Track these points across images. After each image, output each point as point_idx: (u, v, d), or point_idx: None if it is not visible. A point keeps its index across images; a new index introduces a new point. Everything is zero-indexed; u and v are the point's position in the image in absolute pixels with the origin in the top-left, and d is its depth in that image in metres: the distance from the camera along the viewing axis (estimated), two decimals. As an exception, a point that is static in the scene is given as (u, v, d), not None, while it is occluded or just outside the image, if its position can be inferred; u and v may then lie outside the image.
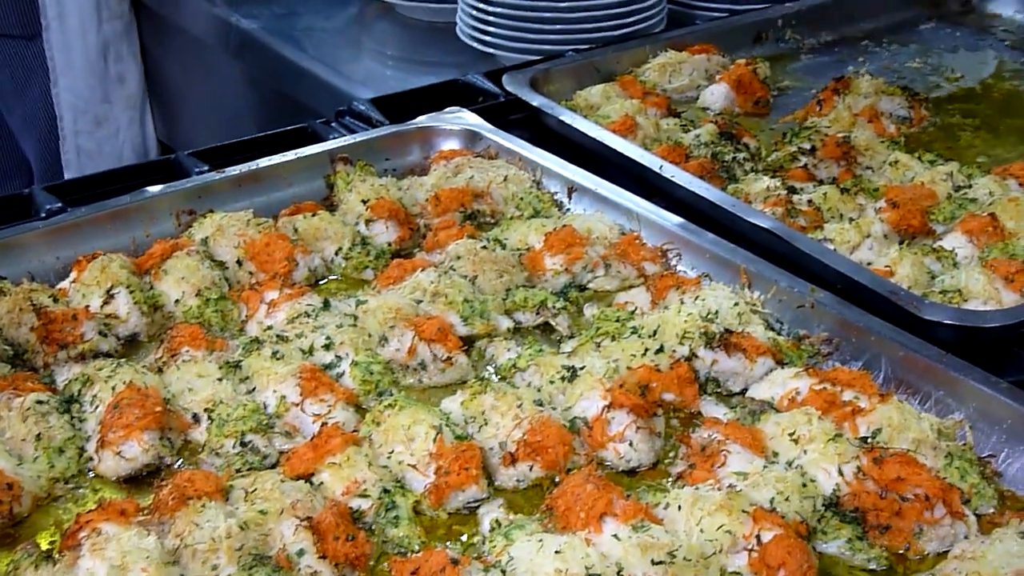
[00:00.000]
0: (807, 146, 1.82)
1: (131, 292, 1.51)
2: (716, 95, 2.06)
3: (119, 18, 3.13)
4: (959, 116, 2.03)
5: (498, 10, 2.30)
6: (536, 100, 1.92)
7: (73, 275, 1.56)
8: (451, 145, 1.85)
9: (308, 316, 1.46)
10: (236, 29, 2.74)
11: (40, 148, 3.23)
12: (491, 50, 2.34)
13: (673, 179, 1.68)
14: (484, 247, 1.57)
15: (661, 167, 1.71)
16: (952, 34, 2.37)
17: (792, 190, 1.71)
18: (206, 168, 1.79)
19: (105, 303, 1.51)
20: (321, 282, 1.62)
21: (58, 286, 1.56)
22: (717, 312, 1.41)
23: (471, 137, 1.85)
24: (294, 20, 2.74)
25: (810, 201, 1.67)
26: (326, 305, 1.49)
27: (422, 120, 1.89)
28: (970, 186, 1.73)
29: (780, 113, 2.07)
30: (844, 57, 2.27)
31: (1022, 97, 2.10)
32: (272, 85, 2.67)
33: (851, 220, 1.64)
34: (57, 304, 1.49)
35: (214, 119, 3.11)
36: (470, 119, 1.87)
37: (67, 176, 3.19)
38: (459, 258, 1.55)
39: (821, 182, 1.77)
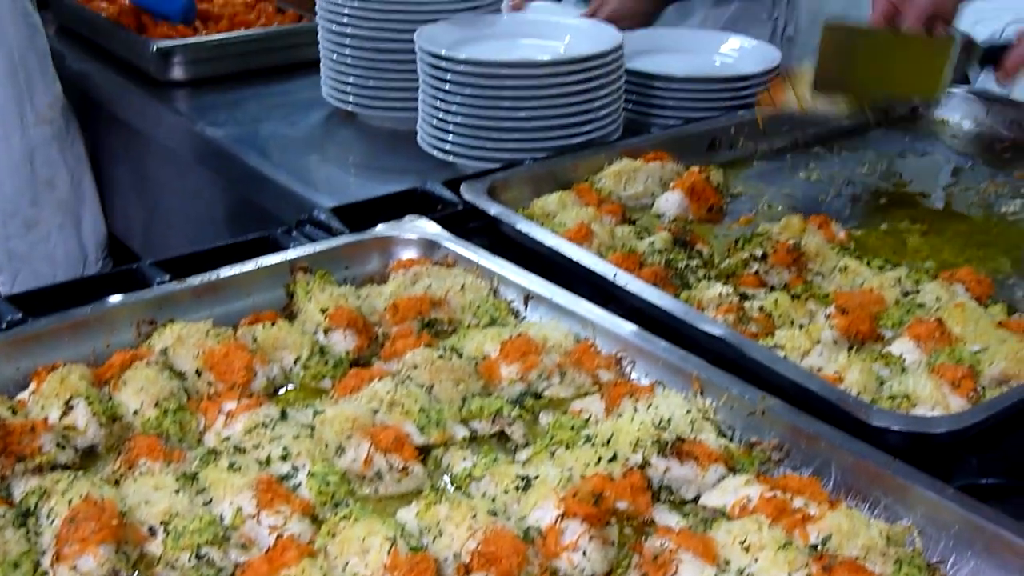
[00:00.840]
0: (758, 252, 1.85)
1: (90, 403, 1.51)
2: (670, 202, 2.09)
3: (47, 123, 3.15)
4: (907, 221, 2.07)
5: (457, 119, 2.35)
6: (493, 209, 1.95)
7: (33, 386, 1.56)
8: (410, 254, 1.87)
9: (265, 427, 1.47)
10: (200, 137, 2.78)
11: None
12: (451, 158, 2.39)
13: (627, 287, 1.71)
14: (441, 356, 1.58)
15: (615, 275, 1.73)
16: (901, 139, 2.43)
17: (744, 296, 1.74)
18: (167, 278, 1.80)
19: (64, 414, 1.50)
20: (280, 391, 1.63)
21: (17, 397, 1.56)
22: (670, 420, 1.43)
23: (429, 246, 1.87)
24: (258, 128, 2.78)
25: (761, 308, 1.70)
26: (283, 415, 1.49)
27: (381, 229, 1.91)
28: (918, 291, 1.76)
29: (733, 219, 2.11)
30: (796, 163, 2.31)
31: (967, 201, 2.14)
32: (237, 192, 2.70)
33: (801, 326, 1.66)
34: (16, 416, 1.49)
35: (179, 222, 3.13)
36: (428, 228, 1.89)
37: (0, 279, 3.21)
38: (416, 367, 1.56)
39: (772, 288, 1.80)
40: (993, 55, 2.05)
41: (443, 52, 2.34)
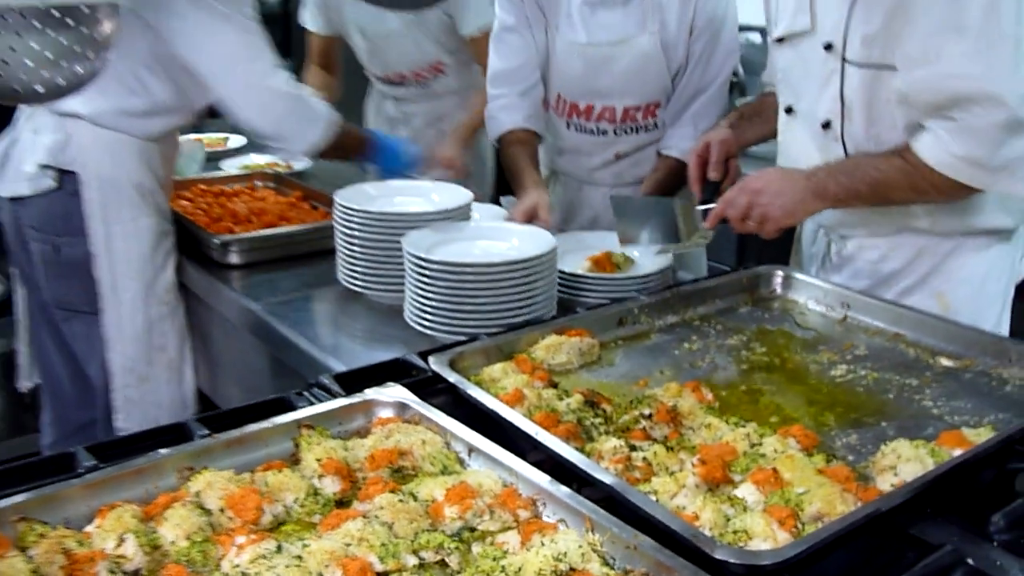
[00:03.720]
0: (646, 412, 1.87)
1: (137, 537, 1.53)
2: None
3: (164, 304, 3.18)
4: (760, 384, 2.08)
5: (433, 303, 2.40)
6: (452, 377, 1.98)
7: (97, 522, 1.57)
8: (387, 413, 1.89)
9: (265, 557, 1.48)
10: (247, 309, 2.83)
11: (99, 401, 3.26)
12: (429, 331, 2.43)
13: (544, 442, 1.72)
14: (400, 500, 1.59)
15: (536, 433, 1.75)
16: (762, 316, 2.43)
17: (633, 448, 1.75)
18: (206, 432, 1.81)
19: (117, 545, 1.52)
20: (282, 525, 1.64)
21: (85, 529, 1.57)
22: (566, 553, 1.44)
23: (401, 407, 1.89)
24: (290, 302, 2.83)
25: (644, 458, 1.71)
26: (279, 548, 1.50)
27: (368, 393, 1.92)
28: (761, 444, 1.77)
29: (633, 382, 2.12)
30: (683, 336, 2.32)
31: (807, 367, 2.15)
32: (273, 353, 2.74)
33: (672, 473, 1.68)
34: (81, 546, 1.51)
35: (234, 374, 3.16)
36: (401, 393, 1.91)
37: (117, 418, 3.20)
38: (382, 508, 1.58)
39: (655, 441, 1.81)
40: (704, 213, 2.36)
41: (422, 254, 2.40)
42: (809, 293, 2.49)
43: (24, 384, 3.72)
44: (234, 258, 3.11)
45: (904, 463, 1.65)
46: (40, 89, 1.37)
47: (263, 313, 2.75)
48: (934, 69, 2.03)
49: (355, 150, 3.32)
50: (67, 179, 3.00)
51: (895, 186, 2.19)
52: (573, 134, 3.31)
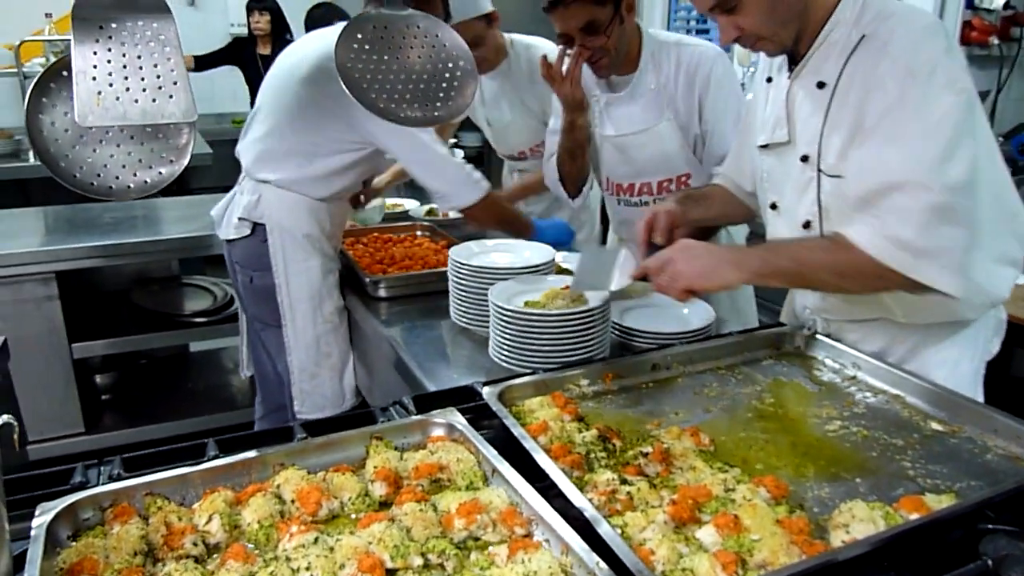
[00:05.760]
0: (646, 450, 1.74)
1: (222, 518, 1.56)
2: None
3: (328, 322, 3.29)
4: (759, 432, 1.88)
5: (508, 341, 2.34)
6: (495, 406, 1.91)
7: (201, 502, 1.62)
8: (439, 432, 1.85)
9: (304, 546, 1.47)
10: (385, 336, 2.86)
11: (286, 390, 3.38)
12: (505, 364, 2.36)
13: (547, 470, 1.63)
14: (422, 510, 1.55)
15: (541, 460, 1.65)
16: (782, 369, 2.22)
17: (624, 481, 1.63)
18: (304, 435, 1.82)
19: (207, 522, 1.55)
20: (336, 519, 1.63)
21: (193, 506, 1.61)
22: (536, 571, 1.35)
23: (450, 428, 1.84)
24: (412, 331, 2.84)
25: (628, 492, 1.59)
26: (316, 540, 1.49)
27: (431, 414, 1.89)
28: (735, 489, 1.60)
29: (651, 419, 1.96)
30: (705, 382, 2.14)
31: (804, 418, 1.93)
32: (397, 368, 2.75)
33: (645, 509, 1.54)
34: (180, 521, 1.55)
35: (380, 382, 3.19)
36: (453, 416, 1.87)
37: (295, 405, 3.32)
38: (406, 515, 1.54)
39: (646, 477, 1.67)
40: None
41: (500, 303, 2.34)
42: (827, 352, 2.25)
43: (244, 373, 3.95)
44: (381, 293, 3.15)
45: (857, 523, 1.45)
46: (131, 187, 1.44)
47: (392, 338, 2.77)
48: (876, 179, 1.79)
49: (511, 225, 3.31)
50: (259, 229, 3.17)
51: (817, 265, 1.86)
52: (623, 208, 3.23)
